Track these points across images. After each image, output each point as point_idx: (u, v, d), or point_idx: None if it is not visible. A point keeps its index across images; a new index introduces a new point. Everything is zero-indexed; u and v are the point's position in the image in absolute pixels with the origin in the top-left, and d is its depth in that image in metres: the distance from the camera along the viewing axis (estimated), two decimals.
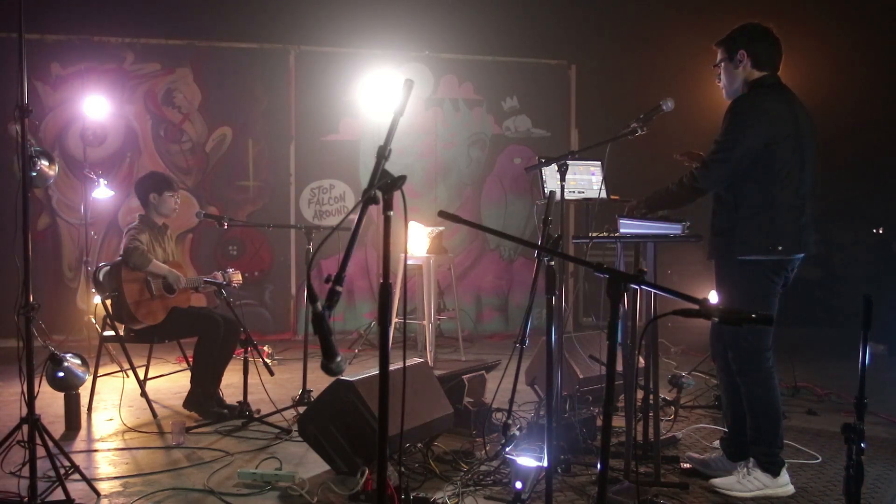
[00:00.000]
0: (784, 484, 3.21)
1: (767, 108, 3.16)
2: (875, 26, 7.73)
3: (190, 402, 4.48)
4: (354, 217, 1.80)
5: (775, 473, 3.20)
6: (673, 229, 3.28)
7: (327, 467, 3.46)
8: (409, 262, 6.27)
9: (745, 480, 3.20)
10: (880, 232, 8.36)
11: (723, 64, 3.34)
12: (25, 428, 2.95)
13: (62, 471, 3.00)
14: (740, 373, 3.26)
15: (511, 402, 3.52)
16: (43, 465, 3.00)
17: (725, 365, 3.34)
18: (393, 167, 1.85)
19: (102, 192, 6.26)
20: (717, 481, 3.30)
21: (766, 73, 3.26)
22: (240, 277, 4.74)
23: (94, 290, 4.93)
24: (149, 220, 4.69)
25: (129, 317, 4.46)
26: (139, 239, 4.49)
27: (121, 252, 4.52)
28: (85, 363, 4.20)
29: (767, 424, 3.21)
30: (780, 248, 3.13)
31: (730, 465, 3.35)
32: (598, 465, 2.33)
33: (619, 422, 3.71)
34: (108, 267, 4.61)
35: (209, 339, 4.46)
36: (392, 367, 2.19)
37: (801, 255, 3.24)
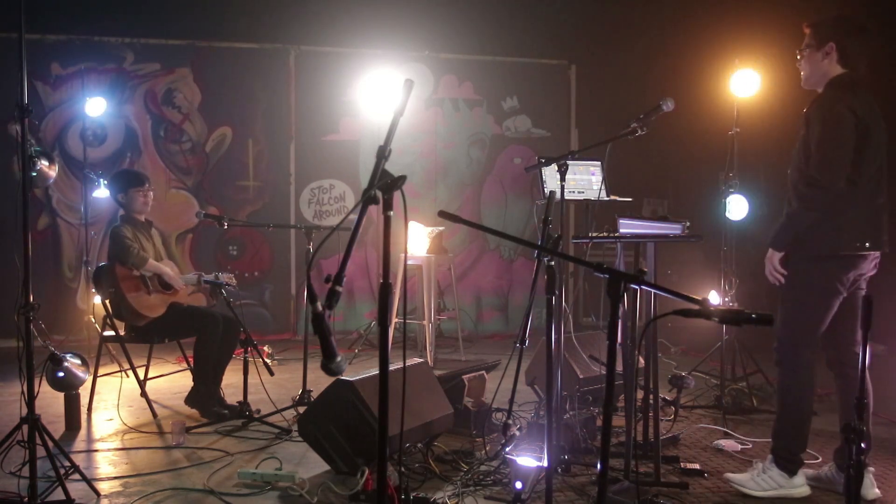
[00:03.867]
0: (799, 485, 3.19)
1: (849, 112, 3.02)
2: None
3: (192, 398, 4.48)
4: (354, 217, 1.80)
5: (791, 472, 3.17)
6: (673, 229, 3.28)
7: (327, 467, 3.46)
8: (409, 262, 6.27)
9: (760, 479, 3.19)
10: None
11: (808, 51, 3.19)
12: (25, 428, 2.95)
13: (62, 471, 3.00)
14: (777, 362, 3.23)
15: (511, 402, 3.51)
16: (43, 465, 3.00)
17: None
18: (393, 167, 1.85)
19: (102, 192, 6.27)
20: (730, 476, 3.30)
21: (847, 71, 3.12)
22: (234, 281, 4.74)
23: (94, 290, 4.93)
24: (130, 218, 4.67)
25: (130, 311, 4.45)
26: (128, 237, 4.49)
27: (109, 253, 4.55)
28: (85, 363, 4.20)
29: (792, 419, 3.18)
30: (857, 243, 3.06)
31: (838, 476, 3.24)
32: (598, 465, 2.33)
33: (619, 422, 3.71)
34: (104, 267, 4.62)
35: (208, 336, 4.46)
36: (392, 367, 2.19)
37: (872, 252, 3.13)
